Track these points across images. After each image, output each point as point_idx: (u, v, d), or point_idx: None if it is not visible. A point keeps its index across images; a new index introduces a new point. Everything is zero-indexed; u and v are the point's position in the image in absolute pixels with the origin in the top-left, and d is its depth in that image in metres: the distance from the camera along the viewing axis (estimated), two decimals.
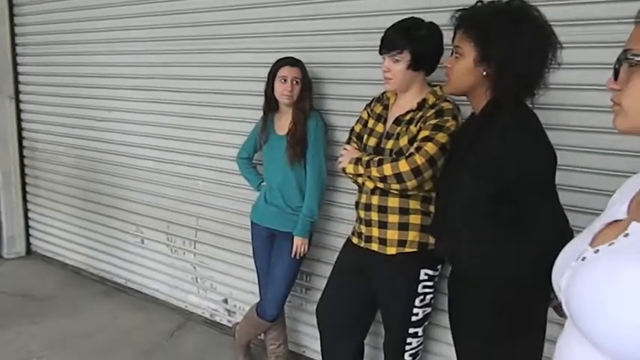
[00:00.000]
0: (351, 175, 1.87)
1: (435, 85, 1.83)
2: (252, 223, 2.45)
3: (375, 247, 1.86)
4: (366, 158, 1.80)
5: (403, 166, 1.69)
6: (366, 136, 1.93)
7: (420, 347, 1.93)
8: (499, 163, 1.34)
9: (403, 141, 1.77)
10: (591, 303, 0.68)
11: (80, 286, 3.61)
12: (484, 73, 1.39)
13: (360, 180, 1.84)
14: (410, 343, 1.89)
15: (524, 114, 1.40)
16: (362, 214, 1.90)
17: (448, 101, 1.77)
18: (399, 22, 1.78)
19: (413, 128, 1.76)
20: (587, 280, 0.71)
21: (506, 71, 1.35)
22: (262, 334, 2.52)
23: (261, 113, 2.38)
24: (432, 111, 1.74)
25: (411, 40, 1.72)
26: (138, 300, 3.40)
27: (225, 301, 3.05)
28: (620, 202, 0.79)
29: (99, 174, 3.56)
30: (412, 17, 1.79)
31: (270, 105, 2.31)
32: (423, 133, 1.71)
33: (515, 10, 1.35)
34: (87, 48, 3.46)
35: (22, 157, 4.09)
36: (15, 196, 4.09)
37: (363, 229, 1.90)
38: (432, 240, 1.78)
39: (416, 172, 1.67)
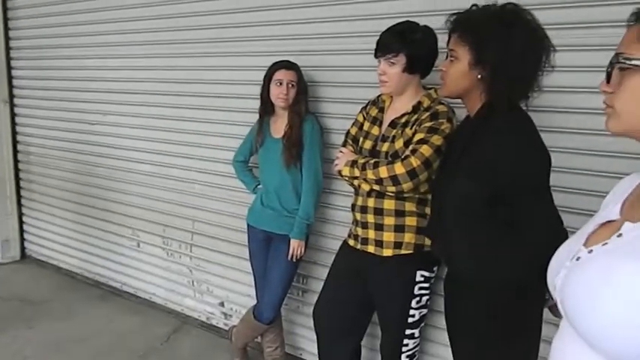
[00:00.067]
0: (347, 178, 1.88)
1: (430, 88, 1.84)
2: (248, 225, 2.45)
3: (371, 249, 1.87)
4: (361, 161, 1.81)
5: (399, 168, 1.69)
6: (361, 139, 1.94)
7: (416, 348, 1.94)
8: (494, 165, 1.34)
9: (399, 143, 1.78)
10: (586, 302, 0.69)
11: (75, 290, 3.59)
12: (479, 76, 1.40)
13: (356, 182, 1.85)
14: (406, 345, 1.89)
15: (518, 117, 1.41)
16: (358, 216, 1.91)
17: (443, 104, 1.78)
18: (395, 25, 1.79)
19: (408, 131, 1.77)
20: (581, 280, 0.72)
21: (499, 74, 1.36)
22: (259, 337, 2.53)
23: (256, 116, 2.38)
24: (427, 114, 1.75)
25: (407, 43, 1.74)
26: (134, 304, 3.39)
27: (222, 304, 3.04)
28: (613, 203, 0.80)
29: (94, 177, 3.55)
30: (407, 21, 1.81)
31: (266, 108, 2.32)
32: (419, 136, 1.72)
33: (508, 13, 1.37)
34: (82, 52, 3.45)
35: (16, 161, 4.07)
36: (9, 200, 4.06)
37: (359, 231, 1.91)
38: (427, 242, 1.79)
39: (411, 174, 1.69)
